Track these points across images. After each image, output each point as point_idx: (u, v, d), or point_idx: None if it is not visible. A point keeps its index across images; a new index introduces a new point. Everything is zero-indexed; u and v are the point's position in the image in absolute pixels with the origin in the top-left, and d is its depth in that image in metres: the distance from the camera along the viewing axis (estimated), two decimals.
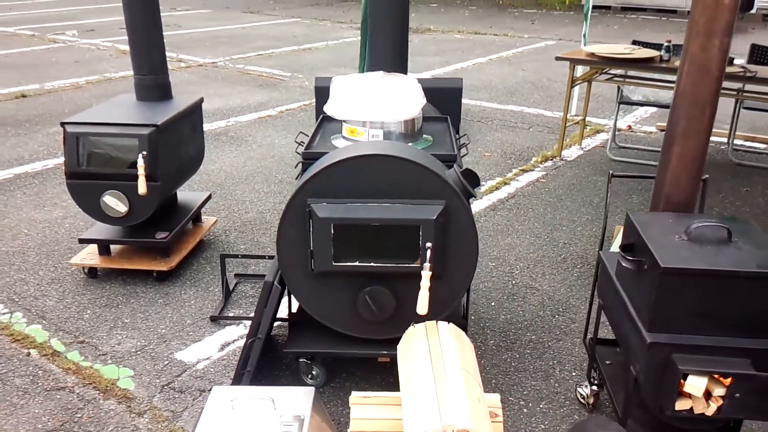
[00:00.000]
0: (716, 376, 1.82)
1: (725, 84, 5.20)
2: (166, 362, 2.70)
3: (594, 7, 13.95)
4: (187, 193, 3.75)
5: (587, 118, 6.08)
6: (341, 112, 2.29)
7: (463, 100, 6.90)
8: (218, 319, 2.97)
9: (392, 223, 2.07)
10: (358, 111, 2.27)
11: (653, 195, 2.14)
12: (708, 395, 1.86)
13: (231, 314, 3.02)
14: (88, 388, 2.54)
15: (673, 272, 1.76)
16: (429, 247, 2.07)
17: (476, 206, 4.28)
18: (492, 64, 8.95)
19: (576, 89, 6.26)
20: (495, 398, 2.15)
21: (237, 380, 2.36)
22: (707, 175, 2.24)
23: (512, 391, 2.58)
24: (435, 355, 2.03)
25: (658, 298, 1.80)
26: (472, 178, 2.15)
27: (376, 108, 2.27)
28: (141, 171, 2.88)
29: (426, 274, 2.06)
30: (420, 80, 3.05)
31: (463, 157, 2.46)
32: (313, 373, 2.53)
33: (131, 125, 2.95)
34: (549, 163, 5.05)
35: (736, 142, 5.46)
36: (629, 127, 5.94)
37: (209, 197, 3.75)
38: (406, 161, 2.06)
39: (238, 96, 7.06)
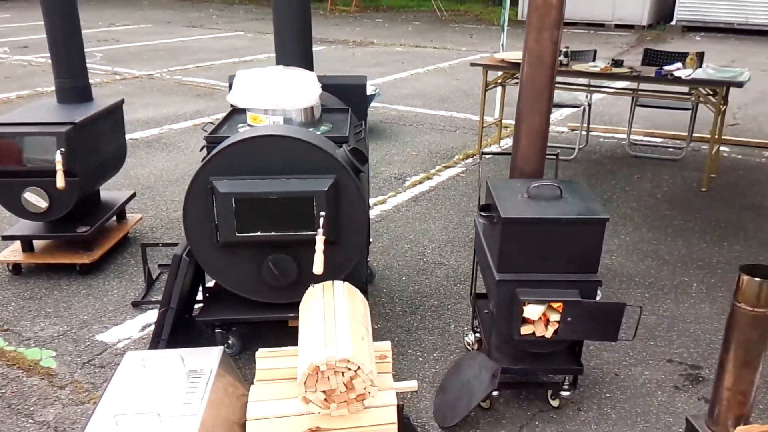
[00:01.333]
0: (552, 304, 2.29)
1: (623, 84, 5.87)
2: (88, 343, 3.00)
3: None
4: (111, 192, 4.06)
5: (509, 121, 6.67)
6: (242, 101, 2.69)
7: (398, 107, 7.48)
8: (140, 304, 3.29)
9: (288, 195, 2.47)
10: (258, 99, 2.67)
11: (510, 167, 2.63)
12: (548, 322, 2.33)
13: (153, 299, 3.33)
14: (11, 369, 2.81)
15: (512, 221, 2.24)
16: (322, 216, 2.48)
17: (399, 198, 4.74)
18: (429, 74, 9.55)
19: (498, 95, 6.84)
20: (386, 345, 2.57)
21: (153, 347, 2.69)
22: (558, 152, 2.74)
23: (411, 345, 3.02)
24: (328, 307, 2.44)
25: (502, 244, 2.27)
26: (359, 156, 2.57)
27: (275, 96, 2.67)
28: (59, 166, 3.19)
29: (320, 239, 2.46)
30: (327, 77, 3.51)
31: (359, 141, 2.88)
32: (229, 342, 2.89)
33: (49, 124, 3.27)
34: (469, 160, 5.57)
35: (638, 137, 6.14)
36: None
37: (133, 195, 4.07)
38: (297, 140, 2.47)
39: (173, 105, 7.37)
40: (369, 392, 2.24)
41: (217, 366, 2.46)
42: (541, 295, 2.29)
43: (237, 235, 2.53)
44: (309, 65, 3.17)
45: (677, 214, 4.45)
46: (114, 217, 3.97)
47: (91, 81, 3.75)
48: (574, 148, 5.59)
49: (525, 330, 2.35)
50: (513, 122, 6.60)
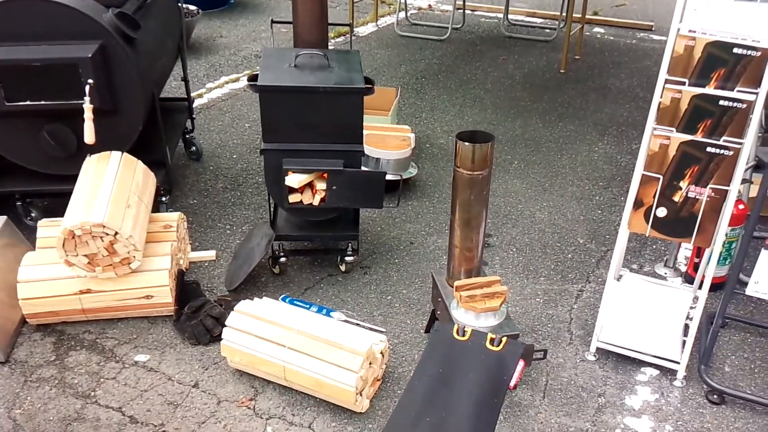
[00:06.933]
0: (321, 174, 2.45)
1: None
2: None
3: None
4: None
5: None
6: None
7: None
8: None
9: (52, 62, 2.46)
10: None
11: (293, 35, 2.67)
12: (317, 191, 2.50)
13: None
14: None
15: (267, 90, 2.32)
16: (89, 84, 2.49)
17: (243, 82, 4.67)
18: None
19: None
20: (173, 216, 2.71)
21: None
22: (351, 22, 2.78)
23: (222, 219, 3.17)
24: (97, 176, 2.52)
25: (263, 113, 2.36)
26: (129, 21, 2.55)
27: None
28: None
29: (88, 107, 2.49)
30: None
31: (142, 8, 2.79)
32: (32, 215, 2.97)
33: None
34: (340, 39, 5.51)
35: (519, 17, 6.18)
36: (429, 6, 6.49)
37: None
38: (55, 3, 2.42)
39: None
40: (134, 256, 2.40)
41: None
42: (305, 165, 2.43)
43: (6, 104, 2.53)
44: None
45: (527, 96, 4.63)
46: None
47: None
48: (447, 28, 5.61)
49: (293, 198, 2.51)
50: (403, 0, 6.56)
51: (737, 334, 2.57)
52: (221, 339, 2.29)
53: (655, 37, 5.85)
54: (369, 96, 2.40)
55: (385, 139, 3.35)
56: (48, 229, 2.59)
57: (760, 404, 2.22)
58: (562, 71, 5.04)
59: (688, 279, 2.73)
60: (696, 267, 2.63)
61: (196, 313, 2.49)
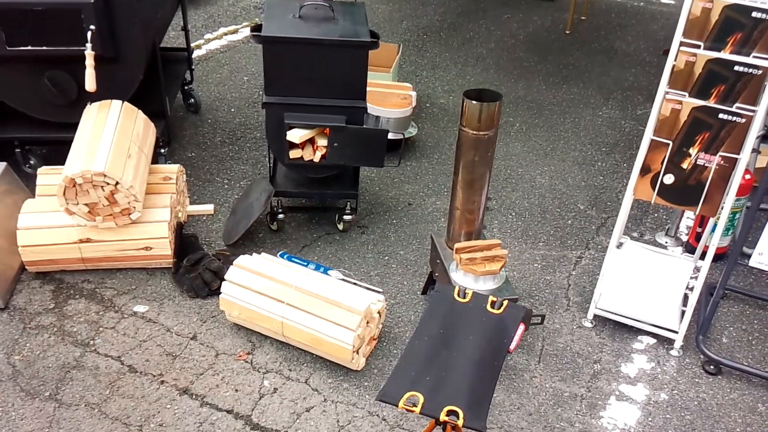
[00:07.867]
0: (323, 130, 2.40)
1: None
2: None
3: None
4: None
5: None
6: None
7: None
8: None
9: (54, 6, 2.40)
10: None
11: None
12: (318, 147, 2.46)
13: None
14: None
15: (272, 41, 2.25)
16: (92, 30, 2.42)
17: (241, 34, 4.57)
18: None
19: None
20: (173, 168, 2.67)
21: None
22: None
23: (220, 174, 3.13)
24: (98, 125, 2.47)
25: (266, 65, 2.31)
26: None
27: None
28: None
29: (89, 54, 2.43)
30: None
31: None
32: (31, 162, 2.93)
33: None
34: None
35: None
36: None
37: None
38: None
39: None
40: (134, 207, 2.37)
41: None
42: (307, 119, 2.39)
43: (8, 48, 2.46)
44: None
45: (531, 57, 4.54)
46: None
47: None
48: None
49: (294, 154, 2.47)
50: None
51: (736, 306, 2.58)
52: (219, 293, 2.29)
53: (664, 0, 5.73)
54: (371, 52, 2.34)
55: (386, 96, 3.29)
56: (48, 176, 2.55)
57: (756, 376, 2.25)
58: (567, 32, 4.94)
59: (689, 249, 2.73)
60: (698, 237, 2.63)
61: (195, 266, 2.48)
